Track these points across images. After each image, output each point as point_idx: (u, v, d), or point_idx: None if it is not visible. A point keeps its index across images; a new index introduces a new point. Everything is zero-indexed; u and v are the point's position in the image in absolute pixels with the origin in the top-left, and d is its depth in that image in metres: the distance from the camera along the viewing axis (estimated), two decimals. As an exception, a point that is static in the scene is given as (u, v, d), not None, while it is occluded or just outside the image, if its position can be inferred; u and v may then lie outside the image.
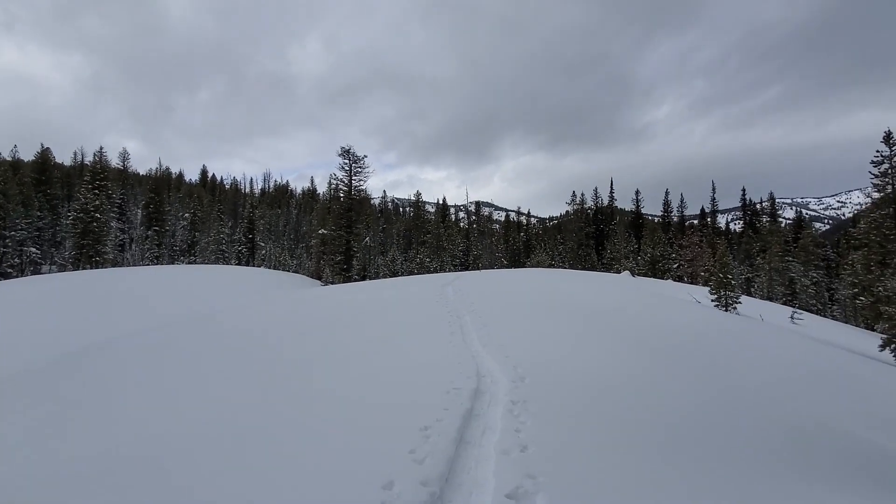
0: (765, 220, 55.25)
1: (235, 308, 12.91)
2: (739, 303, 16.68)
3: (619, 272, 33.74)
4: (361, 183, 39.62)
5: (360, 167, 39.55)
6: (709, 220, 59.03)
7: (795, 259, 35.99)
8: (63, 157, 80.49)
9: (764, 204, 58.11)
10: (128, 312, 14.01)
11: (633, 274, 29.11)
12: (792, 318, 17.86)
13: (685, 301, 15.89)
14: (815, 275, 35.82)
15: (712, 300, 16.96)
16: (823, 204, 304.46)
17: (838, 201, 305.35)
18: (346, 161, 39.21)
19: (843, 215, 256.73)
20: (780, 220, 55.75)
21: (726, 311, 16.16)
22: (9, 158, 55.76)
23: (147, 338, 8.88)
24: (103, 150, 50.46)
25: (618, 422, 4.27)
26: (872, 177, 16.64)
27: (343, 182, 39.26)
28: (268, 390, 5.35)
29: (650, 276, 33.57)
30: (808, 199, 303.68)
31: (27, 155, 57.16)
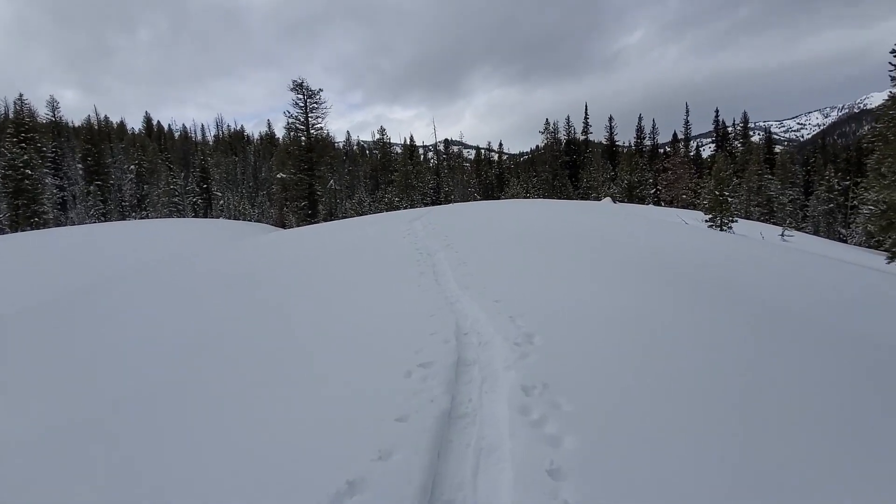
0: (737, 143, 54.52)
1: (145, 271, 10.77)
2: (735, 222, 15.51)
3: (598, 200, 32.44)
4: (319, 120, 36.32)
5: (316, 102, 36.03)
6: (681, 145, 57.85)
7: (774, 177, 35.35)
8: (-17, 110, 71.59)
9: (737, 126, 57.08)
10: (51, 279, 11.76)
11: (614, 200, 27.80)
12: (782, 235, 17.36)
13: (679, 224, 14.75)
14: (791, 192, 35.42)
15: (705, 221, 15.73)
16: (784, 126, 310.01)
17: (798, 123, 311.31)
18: (300, 96, 35.55)
19: (803, 137, 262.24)
20: (752, 143, 55.27)
21: (721, 231, 15.03)
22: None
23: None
24: (24, 99, 43.71)
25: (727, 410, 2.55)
26: (892, 68, 14.95)
27: (299, 120, 35.81)
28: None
29: (628, 203, 32.54)
30: (770, 122, 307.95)
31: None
